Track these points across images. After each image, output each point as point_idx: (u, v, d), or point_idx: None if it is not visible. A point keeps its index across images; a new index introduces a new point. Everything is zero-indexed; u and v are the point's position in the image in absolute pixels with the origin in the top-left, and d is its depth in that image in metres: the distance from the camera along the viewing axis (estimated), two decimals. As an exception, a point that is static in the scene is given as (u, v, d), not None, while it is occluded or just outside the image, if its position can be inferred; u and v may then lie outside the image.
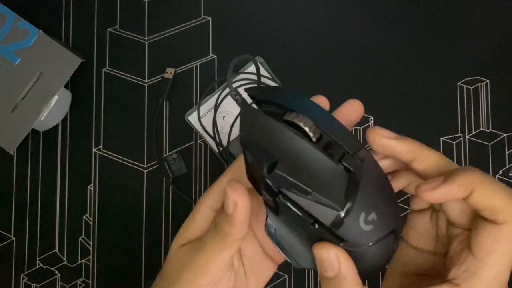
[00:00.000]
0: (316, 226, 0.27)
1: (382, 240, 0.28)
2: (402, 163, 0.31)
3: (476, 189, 0.27)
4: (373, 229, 0.27)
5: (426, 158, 0.30)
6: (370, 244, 0.27)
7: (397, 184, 0.31)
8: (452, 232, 0.31)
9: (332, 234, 0.27)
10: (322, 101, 0.32)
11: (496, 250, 0.27)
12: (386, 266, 0.33)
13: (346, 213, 0.27)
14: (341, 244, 0.27)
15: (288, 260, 0.30)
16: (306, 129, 0.28)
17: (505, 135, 0.53)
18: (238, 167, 0.33)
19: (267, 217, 0.29)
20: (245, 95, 0.32)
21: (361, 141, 0.31)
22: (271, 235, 0.29)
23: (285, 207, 0.27)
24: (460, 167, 0.29)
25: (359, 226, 0.27)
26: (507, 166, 0.52)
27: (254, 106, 0.30)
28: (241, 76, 0.54)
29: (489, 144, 0.53)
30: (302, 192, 0.27)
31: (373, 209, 0.27)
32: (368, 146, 0.30)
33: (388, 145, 0.30)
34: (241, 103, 0.30)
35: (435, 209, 0.32)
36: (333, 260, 0.27)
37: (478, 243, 0.28)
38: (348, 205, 0.27)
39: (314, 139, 0.28)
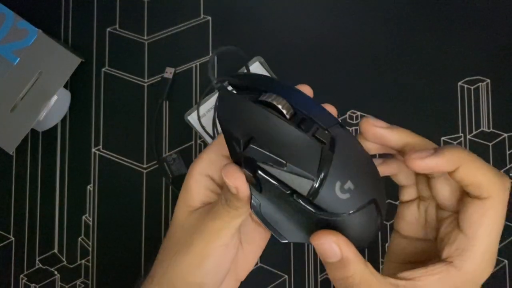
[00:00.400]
0: (295, 197, 0.28)
1: (362, 210, 0.29)
2: (394, 151, 0.32)
3: (462, 165, 0.29)
4: (350, 197, 0.28)
5: (416, 146, 0.31)
6: (350, 212, 0.28)
7: (387, 169, 0.33)
8: (442, 215, 0.32)
9: (310, 203, 0.28)
10: (305, 89, 0.34)
11: (483, 224, 0.29)
12: (375, 246, 0.34)
13: (321, 182, 0.28)
14: (320, 213, 0.28)
15: (275, 235, 0.31)
16: (279, 107, 0.29)
17: (505, 135, 0.53)
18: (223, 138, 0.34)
19: (251, 195, 0.30)
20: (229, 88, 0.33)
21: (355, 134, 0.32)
22: (256, 212, 0.30)
23: (266, 182, 0.29)
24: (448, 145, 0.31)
25: (335, 194, 0.28)
26: (508, 166, 0.52)
27: (231, 90, 0.32)
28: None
29: (490, 144, 0.52)
30: (278, 164, 0.28)
31: (348, 178, 0.28)
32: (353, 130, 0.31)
33: (379, 134, 0.31)
34: (219, 87, 0.32)
35: (423, 198, 0.33)
36: (333, 248, 0.28)
37: (466, 220, 0.29)
38: (322, 174, 0.28)
39: (288, 116, 0.29)
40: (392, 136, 0.31)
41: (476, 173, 0.29)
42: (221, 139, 0.34)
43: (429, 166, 0.29)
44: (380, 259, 0.50)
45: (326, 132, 0.29)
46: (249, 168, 0.29)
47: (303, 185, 0.28)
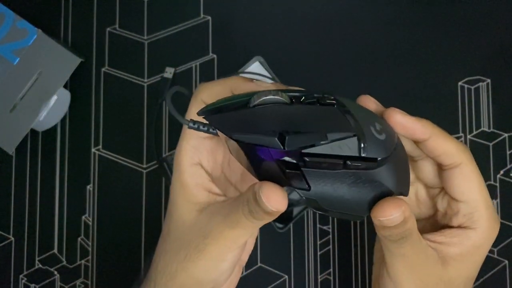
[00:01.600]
0: (349, 162, 0.28)
1: (397, 147, 0.30)
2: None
3: (433, 135, 0.33)
4: (386, 136, 0.29)
5: (441, 135, 0.34)
6: (394, 149, 0.29)
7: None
8: (433, 193, 0.36)
9: (365, 160, 0.28)
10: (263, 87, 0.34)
11: (472, 186, 0.33)
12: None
13: (362, 133, 0.28)
14: (378, 161, 0.28)
15: (348, 218, 0.31)
16: (278, 98, 0.29)
17: (506, 135, 0.53)
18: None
19: (304, 199, 0.29)
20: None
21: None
22: (319, 210, 0.29)
23: (313, 172, 0.28)
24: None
25: (377, 138, 0.28)
26: (508, 166, 0.52)
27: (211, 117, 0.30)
28: (240, 75, 0.54)
29: (490, 144, 0.52)
30: (320, 140, 0.27)
31: (373, 120, 0.30)
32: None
33: (408, 125, 0.33)
34: (206, 114, 0.30)
35: (411, 183, 0.36)
36: (399, 217, 0.29)
37: (456, 190, 0.33)
38: (356, 125, 0.28)
39: (288, 102, 0.29)
40: (420, 127, 0.33)
41: (445, 143, 0.33)
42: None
43: (405, 126, 0.32)
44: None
45: (326, 97, 0.29)
46: (292, 166, 0.28)
47: (350, 145, 0.28)
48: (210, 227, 0.31)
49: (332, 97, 0.30)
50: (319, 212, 0.30)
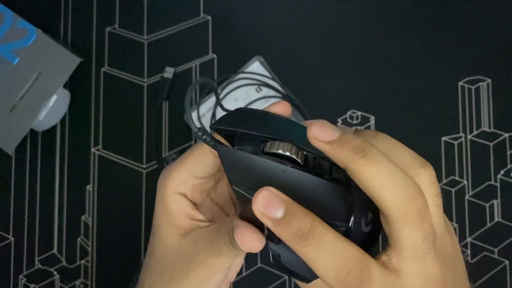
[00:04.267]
0: None
1: (378, 235, 0.28)
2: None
3: (348, 167, 0.26)
4: (371, 228, 0.28)
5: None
6: (372, 244, 0.28)
7: None
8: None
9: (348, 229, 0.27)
10: (284, 107, 0.32)
11: (404, 248, 0.26)
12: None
13: (350, 227, 0.27)
14: None
15: (300, 280, 0.29)
16: (293, 156, 0.28)
17: (506, 135, 0.53)
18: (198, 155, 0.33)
19: (269, 249, 0.29)
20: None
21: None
22: (278, 265, 0.29)
23: None
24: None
25: (362, 231, 0.27)
26: (509, 167, 0.52)
27: (226, 144, 0.30)
28: (240, 75, 0.54)
29: (491, 144, 0.52)
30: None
31: (368, 210, 0.28)
32: None
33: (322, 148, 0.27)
34: (213, 144, 0.29)
35: None
36: (275, 196, 0.26)
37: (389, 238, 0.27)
38: (352, 218, 0.27)
39: (301, 163, 0.28)
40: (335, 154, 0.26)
41: (367, 184, 0.25)
42: (190, 158, 0.33)
43: (320, 146, 0.26)
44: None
45: (337, 166, 0.27)
46: None
47: (337, 230, 0.27)
48: (194, 253, 0.32)
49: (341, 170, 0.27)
50: (274, 266, 0.29)
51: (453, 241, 0.29)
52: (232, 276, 0.37)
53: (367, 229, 0.28)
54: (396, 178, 0.25)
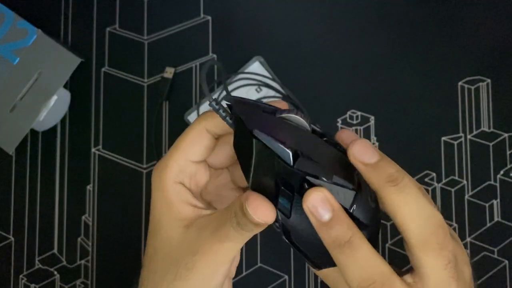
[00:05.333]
0: None
1: (378, 221, 0.30)
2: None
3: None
4: (375, 207, 0.29)
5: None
6: (376, 222, 0.29)
7: None
8: None
9: (350, 215, 0.28)
10: (281, 106, 0.33)
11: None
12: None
13: (360, 193, 0.28)
14: (361, 225, 0.28)
15: (309, 263, 0.30)
16: (303, 121, 0.29)
17: (506, 135, 0.53)
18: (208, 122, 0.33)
19: (282, 223, 0.29)
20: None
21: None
22: (289, 241, 0.29)
23: (300, 205, 0.28)
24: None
25: (369, 205, 0.28)
26: (508, 166, 0.52)
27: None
28: (240, 76, 0.54)
29: (490, 144, 0.52)
30: (325, 176, 0.27)
31: (372, 192, 0.29)
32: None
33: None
34: (234, 101, 0.30)
35: None
36: (327, 201, 0.27)
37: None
38: (361, 186, 0.28)
39: (310, 130, 0.29)
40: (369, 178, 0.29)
41: (394, 211, 0.28)
42: (185, 142, 0.33)
43: (357, 165, 0.28)
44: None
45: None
46: (289, 187, 0.28)
47: (346, 197, 0.28)
48: (198, 243, 0.31)
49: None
50: (286, 240, 0.30)
51: (469, 270, 0.32)
52: (233, 271, 0.36)
53: (373, 205, 0.29)
54: (421, 211, 0.28)
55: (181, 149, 0.33)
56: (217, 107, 0.30)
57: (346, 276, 0.28)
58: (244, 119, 0.29)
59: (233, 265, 0.35)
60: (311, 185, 0.27)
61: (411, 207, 0.27)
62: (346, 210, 0.28)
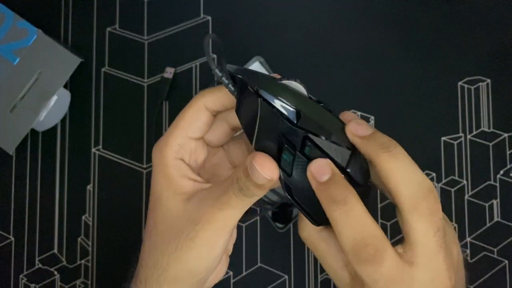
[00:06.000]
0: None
1: (370, 184, 0.32)
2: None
3: (373, 160, 0.30)
4: (368, 168, 0.31)
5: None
6: (368, 183, 0.31)
7: None
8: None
9: (345, 173, 0.30)
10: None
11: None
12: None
13: (354, 153, 0.30)
14: (358, 185, 0.30)
15: (309, 219, 0.32)
16: (301, 87, 0.31)
17: (506, 135, 0.53)
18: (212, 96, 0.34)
19: (284, 181, 0.31)
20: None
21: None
22: (290, 196, 0.31)
23: (301, 163, 0.30)
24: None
25: (362, 165, 0.31)
26: (508, 166, 0.52)
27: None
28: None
29: (490, 144, 0.52)
30: (325, 135, 0.29)
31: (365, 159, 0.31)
32: None
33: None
34: (237, 69, 0.32)
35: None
36: (328, 165, 0.29)
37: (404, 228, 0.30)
38: (356, 150, 0.30)
39: (307, 96, 0.31)
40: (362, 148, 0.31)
41: (387, 177, 0.29)
42: (184, 119, 0.34)
43: (354, 139, 0.30)
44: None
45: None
46: (291, 145, 0.30)
47: (342, 155, 0.30)
48: (200, 213, 0.32)
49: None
50: (288, 198, 0.31)
51: (458, 249, 0.32)
52: (230, 247, 0.37)
53: (366, 167, 0.31)
54: (413, 175, 0.29)
55: (181, 126, 0.34)
56: (220, 74, 0.32)
57: (340, 236, 0.29)
58: (250, 82, 0.31)
59: (230, 241, 0.36)
60: (312, 143, 0.29)
61: (402, 172, 0.29)
62: (342, 168, 0.30)
